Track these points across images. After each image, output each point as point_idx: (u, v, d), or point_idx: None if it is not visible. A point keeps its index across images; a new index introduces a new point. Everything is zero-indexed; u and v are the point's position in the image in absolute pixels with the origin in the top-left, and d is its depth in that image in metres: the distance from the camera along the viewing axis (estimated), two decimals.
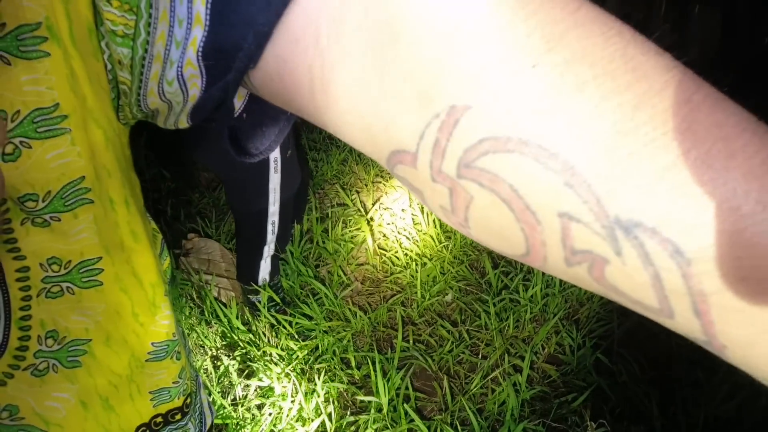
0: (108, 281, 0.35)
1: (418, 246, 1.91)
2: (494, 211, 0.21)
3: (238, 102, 0.34)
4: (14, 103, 0.26)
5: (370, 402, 1.46)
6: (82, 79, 0.28)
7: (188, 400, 0.45)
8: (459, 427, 1.37)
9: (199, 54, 0.27)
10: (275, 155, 1.39)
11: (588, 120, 0.19)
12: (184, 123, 0.32)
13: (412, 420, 1.40)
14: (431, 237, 1.93)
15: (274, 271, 1.65)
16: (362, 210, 2.07)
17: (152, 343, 0.40)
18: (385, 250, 1.92)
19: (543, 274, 1.72)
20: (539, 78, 0.19)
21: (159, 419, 0.43)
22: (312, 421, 1.43)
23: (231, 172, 1.42)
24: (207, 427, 0.52)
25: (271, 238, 1.54)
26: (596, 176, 0.19)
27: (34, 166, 0.28)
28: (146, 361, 0.40)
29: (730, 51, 3.08)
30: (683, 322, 0.19)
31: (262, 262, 1.60)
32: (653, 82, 0.19)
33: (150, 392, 0.42)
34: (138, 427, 0.42)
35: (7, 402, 0.35)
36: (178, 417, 0.44)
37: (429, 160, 0.22)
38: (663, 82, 0.19)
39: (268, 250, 1.57)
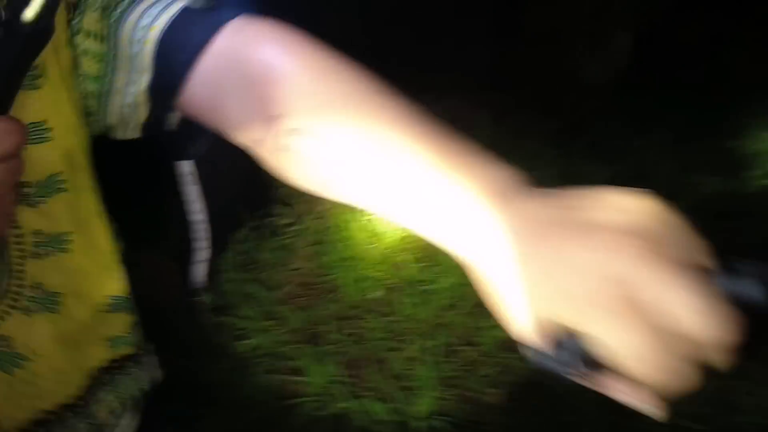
0: (76, 249, 0.44)
1: (348, 248, 2.08)
2: (295, 163, 0.40)
3: (175, 119, 0.51)
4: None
5: (307, 388, 1.61)
6: (65, 103, 0.41)
7: (140, 351, 0.54)
8: (386, 402, 1.55)
9: (147, 89, 0.43)
10: (190, 168, 1.53)
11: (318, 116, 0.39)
12: (137, 135, 0.48)
13: (346, 401, 1.56)
14: (361, 240, 2.10)
15: (210, 276, 1.78)
16: (296, 218, 2.23)
17: (109, 297, 0.49)
18: (319, 255, 2.09)
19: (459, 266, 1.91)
20: (307, 101, 0.39)
21: (115, 364, 0.51)
22: (253, 408, 1.57)
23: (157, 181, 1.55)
24: (158, 381, 0.59)
25: (202, 244, 1.67)
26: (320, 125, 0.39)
27: (29, 162, 0.37)
28: (105, 312, 0.49)
29: (644, 72, 3.34)
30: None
31: (197, 267, 1.72)
32: (360, 91, 0.39)
33: (108, 339, 0.50)
34: (99, 369, 0.50)
35: (5, 333, 0.43)
36: (130, 364, 0.53)
37: (271, 144, 0.41)
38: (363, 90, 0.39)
39: (201, 256, 1.70)
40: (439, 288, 1.87)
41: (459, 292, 1.85)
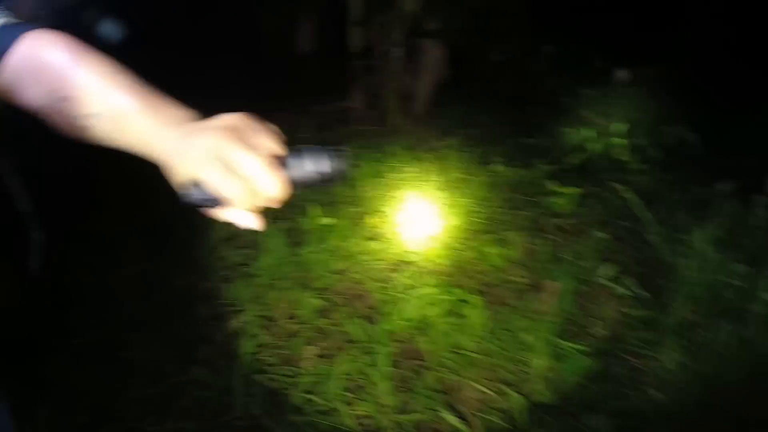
0: None
1: (178, 244, 2.24)
2: (73, 124, 0.59)
3: None
4: None
5: (139, 370, 1.76)
6: None
7: None
8: (211, 370, 1.74)
9: None
10: (10, 159, 1.64)
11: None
12: None
13: (176, 376, 1.74)
14: (188, 237, 2.28)
15: (45, 270, 1.86)
16: (131, 220, 2.35)
17: None
18: (152, 252, 2.23)
19: (270, 249, 2.15)
20: (76, 81, 0.58)
21: None
22: (86, 395, 1.69)
23: None
24: None
25: (35, 236, 1.77)
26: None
27: None
28: None
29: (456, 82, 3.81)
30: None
31: (30, 261, 1.81)
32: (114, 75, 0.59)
33: None
34: None
35: None
36: None
37: (57, 114, 0.59)
38: (112, 73, 0.59)
39: (34, 248, 1.79)
40: (260, 269, 2.09)
41: (278, 272, 2.09)
